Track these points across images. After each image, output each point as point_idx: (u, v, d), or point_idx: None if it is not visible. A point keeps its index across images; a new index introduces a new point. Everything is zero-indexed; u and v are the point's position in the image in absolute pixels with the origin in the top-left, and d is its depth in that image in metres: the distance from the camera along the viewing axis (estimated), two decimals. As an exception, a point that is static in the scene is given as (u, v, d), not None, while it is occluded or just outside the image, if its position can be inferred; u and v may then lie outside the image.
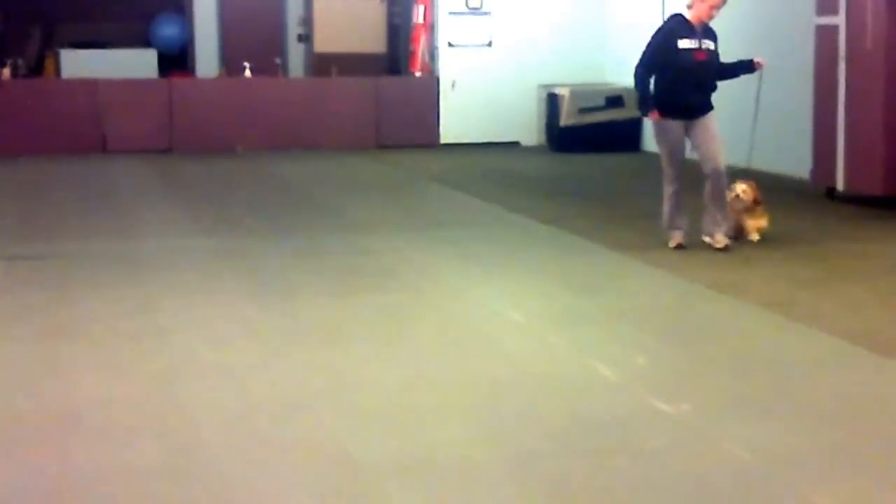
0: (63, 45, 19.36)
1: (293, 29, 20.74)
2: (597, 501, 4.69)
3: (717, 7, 9.56)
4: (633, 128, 17.64)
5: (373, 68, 19.70)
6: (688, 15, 9.60)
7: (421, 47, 18.63)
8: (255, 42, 20.28)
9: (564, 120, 17.52)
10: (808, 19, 12.80)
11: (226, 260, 9.53)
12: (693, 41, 9.51)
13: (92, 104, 17.37)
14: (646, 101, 9.66)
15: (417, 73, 18.57)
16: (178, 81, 18.22)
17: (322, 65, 19.91)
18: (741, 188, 9.94)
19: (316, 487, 4.81)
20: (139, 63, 18.50)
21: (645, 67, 9.60)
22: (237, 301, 8.09)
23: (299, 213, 11.90)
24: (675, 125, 9.57)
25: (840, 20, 12.02)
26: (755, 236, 10.00)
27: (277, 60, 19.70)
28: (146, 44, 20.30)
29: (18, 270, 9.13)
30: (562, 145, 17.51)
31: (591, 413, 5.49)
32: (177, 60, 20.12)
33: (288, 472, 4.93)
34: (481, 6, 18.16)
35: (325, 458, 5.14)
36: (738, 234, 10.02)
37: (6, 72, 17.58)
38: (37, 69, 19.41)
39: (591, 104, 17.59)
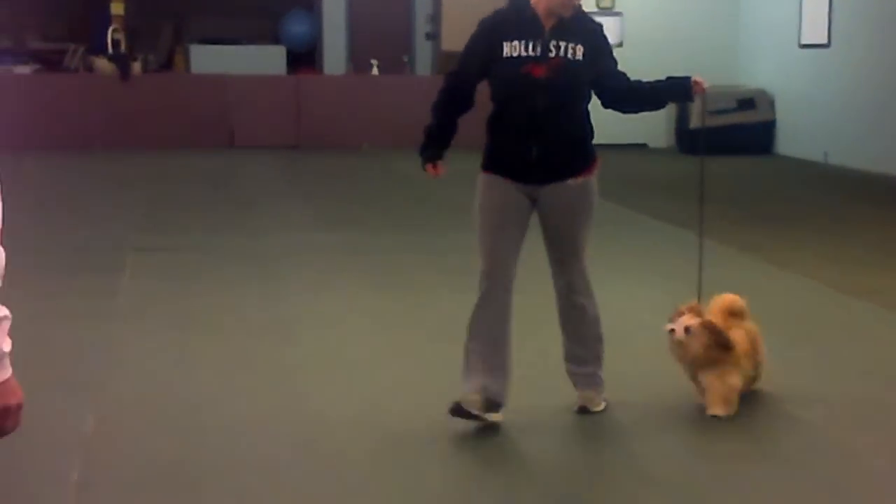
0: (193, 41, 19.65)
1: (421, 27, 20.78)
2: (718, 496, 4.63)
3: None
4: (765, 131, 17.35)
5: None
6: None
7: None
8: (382, 40, 20.37)
9: (694, 122, 17.30)
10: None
11: (350, 255, 9.56)
12: (530, 45, 5.27)
13: (221, 99, 17.60)
14: (430, 140, 5.54)
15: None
16: (306, 78, 18.37)
17: (449, 63, 19.89)
18: (685, 323, 5.56)
19: (443, 481, 4.79)
20: (268, 59, 18.70)
21: (450, 82, 5.53)
22: (362, 295, 8.09)
23: (423, 211, 11.91)
24: (507, 189, 5.39)
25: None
26: (716, 409, 5.51)
27: (405, 58, 19.76)
28: (275, 40, 20.50)
29: (147, 262, 9.24)
30: (691, 147, 17.29)
31: (723, 417, 5.39)
32: (305, 57, 20.29)
33: (415, 465, 4.91)
34: (613, 6, 18.01)
35: (449, 452, 5.11)
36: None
37: (137, 66, 17.89)
38: (167, 64, 19.71)
39: (721, 106, 17.34)
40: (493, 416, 5.31)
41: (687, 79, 5.41)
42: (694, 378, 5.63)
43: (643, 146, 18.02)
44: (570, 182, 5.36)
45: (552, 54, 5.25)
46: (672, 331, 5.55)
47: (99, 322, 7.28)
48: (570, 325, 5.63)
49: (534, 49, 5.25)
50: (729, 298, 5.85)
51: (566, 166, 5.37)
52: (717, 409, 5.48)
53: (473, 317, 5.39)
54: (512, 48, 5.27)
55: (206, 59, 18.52)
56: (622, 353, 6.33)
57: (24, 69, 17.54)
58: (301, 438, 5.28)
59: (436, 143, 5.52)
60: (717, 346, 5.48)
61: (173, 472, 4.91)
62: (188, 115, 17.49)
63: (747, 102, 17.42)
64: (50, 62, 18.38)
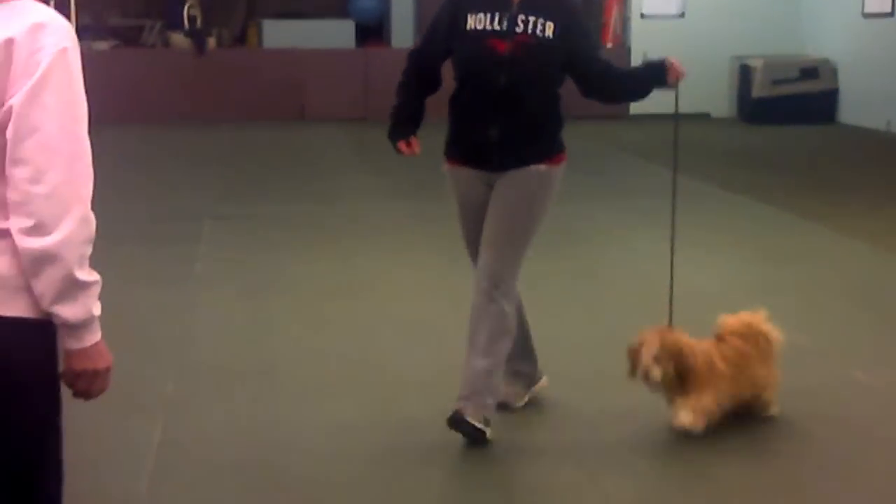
0: (266, 16, 19.82)
1: None
2: (797, 467, 4.75)
3: None
4: (829, 100, 17.28)
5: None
6: None
7: (613, 18, 18.54)
8: (449, 13, 20.41)
9: (757, 91, 17.26)
10: None
11: (421, 223, 9.71)
12: (495, 18, 4.91)
13: (292, 73, 17.82)
14: (397, 120, 5.16)
15: (609, 45, 18.48)
16: (374, 51, 18.49)
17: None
18: (649, 356, 4.99)
19: (510, 442, 4.92)
20: (337, 33, 18.82)
21: (413, 61, 5.20)
22: (430, 261, 8.24)
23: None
24: (467, 179, 5.08)
25: None
26: (685, 419, 4.97)
27: (471, 30, 19.80)
28: (344, 14, 20.62)
29: (224, 230, 9.44)
30: (754, 117, 17.25)
31: (790, 381, 5.47)
32: (373, 31, 20.38)
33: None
34: (676, -23, 18.00)
35: (518, 414, 5.25)
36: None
37: (212, 41, 18.17)
38: (241, 39, 19.92)
39: (784, 76, 17.28)
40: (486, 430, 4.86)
41: (662, 63, 4.97)
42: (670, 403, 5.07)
43: (706, 116, 17.99)
44: (532, 168, 4.92)
45: (519, 30, 4.84)
46: (646, 374, 4.95)
47: (178, 288, 7.49)
48: (483, 324, 4.91)
49: (499, 23, 4.86)
50: (734, 318, 5.31)
51: (527, 151, 4.92)
52: (686, 421, 4.93)
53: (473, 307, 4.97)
54: (476, 21, 4.88)
55: (278, 33, 18.69)
56: (689, 326, 6.45)
57: (102, 45, 17.83)
58: (375, 401, 5.42)
59: (405, 123, 5.08)
60: (685, 374, 4.93)
61: (251, 432, 5.06)
62: (260, 89, 17.73)
63: (810, 71, 17.34)
64: (128, 38, 18.64)
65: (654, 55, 19.45)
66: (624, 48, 18.16)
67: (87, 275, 2.53)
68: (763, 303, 7.12)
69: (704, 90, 18.13)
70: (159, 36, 18.48)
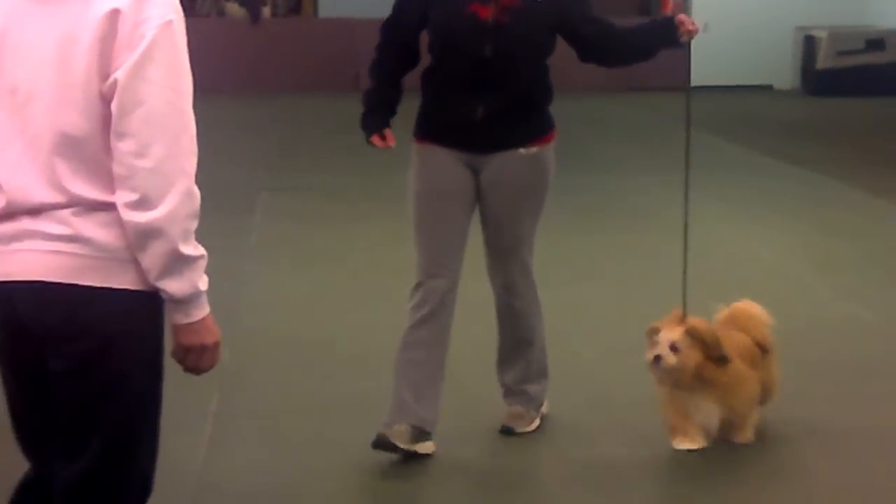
0: (320, -16, 19.79)
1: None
2: (863, 445, 4.66)
3: None
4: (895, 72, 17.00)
5: (623, 9, 19.49)
6: None
7: (673, -12, 18.34)
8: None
9: (821, 63, 17.00)
10: None
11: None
12: None
13: (347, 43, 17.75)
14: (370, 108, 4.58)
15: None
16: (430, 21, 18.42)
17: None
18: (670, 337, 4.46)
19: (583, 419, 4.89)
20: (391, 2, 18.76)
21: (386, 35, 4.65)
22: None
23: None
24: (445, 162, 4.53)
25: None
26: (685, 441, 4.58)
27: None
28: (399, -16, 20.54)
29: (280, 201, 9.44)
30: (818, 89, 16.98)
31: (852, 357, 5.37)
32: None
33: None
34: (738, -57, 17.73)
35: (581, 392, 5.20)
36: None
37: (266, 10, 18.17)
38: (295, 8, 19.91)
39: (850, 47, 16.99)
40: (422, 448, 4.47)
41: (670, 20, 4.43)
42: (665, 410, 4.58)
43: (768, 87, 17.75)
44: (522, 151, 4.46)
45: None
46: (657, 359, 4.41)
47: (233, 259, 7.45)
48: (505, 329, 4.75)
49: None
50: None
51: (517, 131, 4.45)
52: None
53: (409, 334, 4.54)
54: None
55: (333, 2, 18.64)
56: (747, 297, 6.36)
57: (155, 14, 17.93)
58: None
59: (378, 111, 4.52)
60: (711, 361, 4.42)
61: (305, 404, 5.09)
62: (315, 58, 17.69)
63: (877, 43, 17.04)
64: (182, 6, 18.69)
65: (715, 25, 19.22)
66: (684, 18, 17.90)
67: (192, 249, 2.55)
68: (824, 275, 7.10)
69: (767, 61, 17.92)
70: (214, 5, 18.49)
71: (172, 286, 2.53)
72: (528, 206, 4.54)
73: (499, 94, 4.37)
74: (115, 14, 2.46)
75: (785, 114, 15.38)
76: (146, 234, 2.48)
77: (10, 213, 2.55)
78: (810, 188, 10.10)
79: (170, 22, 2.51)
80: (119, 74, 2.45)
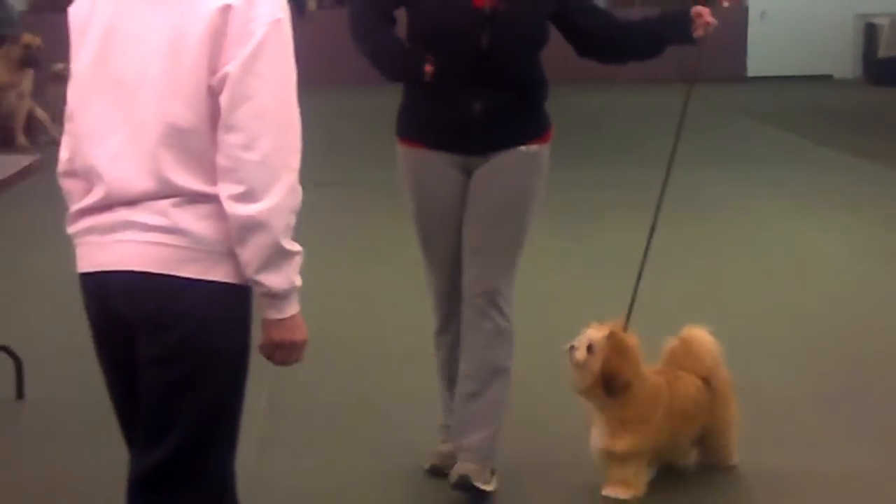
0: (368, -23, 19.78)
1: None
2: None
3: None
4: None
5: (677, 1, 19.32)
6: None
7: (730, -23, 18.15)
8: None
9: (883, 51, 16.77)
10: None
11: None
12: None
13: (396, 33, 17.72)
14: (396, 51, 4.16)
15: (725, 4, 18.08)
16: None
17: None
18: (593, 335, 4.07)
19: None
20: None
21: (358, 6, 4.35)
22: (545, 231, 8.04)
23: (599, 145, 11.77)
24: (436, 166, 4.16)
25: None
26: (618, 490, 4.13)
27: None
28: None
29: (327, 196, 9.35)
30: (880, 78, 16.74)
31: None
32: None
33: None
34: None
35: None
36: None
37: (312, 2, 18.16)
38: (341, 0, 19.89)
39: (911, 34, 16.76)
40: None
41: (685, 13, 4.03)
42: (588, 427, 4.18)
43: (828, 77, 17.50)
44: (523, 149, 4.07)
45: None
46: (571, 349, 4.03)
47: (282, 255, 7.41)
48: (468, 347, 4.19)
49: None
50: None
51: (517, 128, 4.06)
52: (614, 489, 4.12)
53: (442, 352, 4.34)
54: None
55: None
56: (808, 292, 6.25)
57: (203, 8, 18.03)
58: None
59: (405, 47, 4.08)
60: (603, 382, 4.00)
61: (355, 401, 5.07)
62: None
63: (941, 30, 16.79)
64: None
65: (773, 14, 18.95)
66: (742, 7, 17.72)
67: (291, 244, 2.57)
68: (887, 270, 6.96)
69: (827, 50, 17.67)
70: (259, -1, 18.56)
71: (270, 280, 2.55)
72: (519, 202, 4.09)
73: (497, 89, 3.99)
74: (226, 10, 2.53)
75: (845, 104, 15.21)
76: (249, 227, 2.51)
77: (109, 204, 2.59)
78: (872, 180, 9.98)
79: (279, 20, 2.59)
80: (230, 68, 2.51)
